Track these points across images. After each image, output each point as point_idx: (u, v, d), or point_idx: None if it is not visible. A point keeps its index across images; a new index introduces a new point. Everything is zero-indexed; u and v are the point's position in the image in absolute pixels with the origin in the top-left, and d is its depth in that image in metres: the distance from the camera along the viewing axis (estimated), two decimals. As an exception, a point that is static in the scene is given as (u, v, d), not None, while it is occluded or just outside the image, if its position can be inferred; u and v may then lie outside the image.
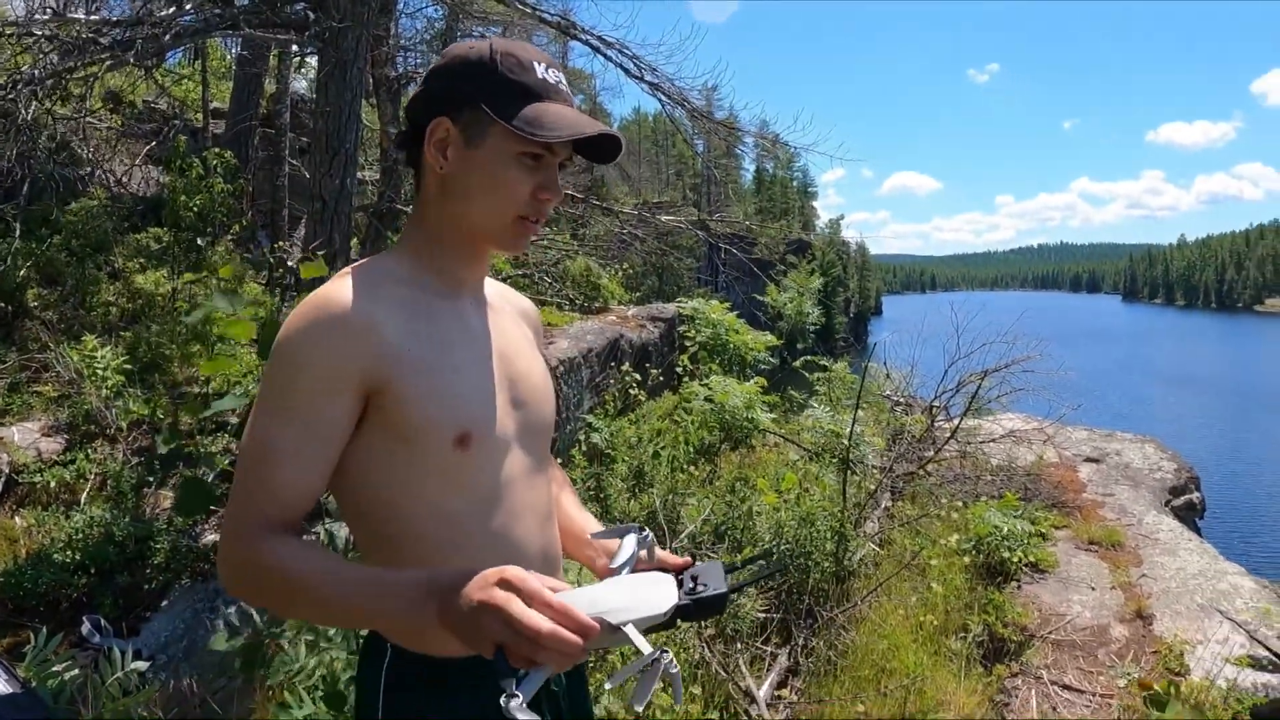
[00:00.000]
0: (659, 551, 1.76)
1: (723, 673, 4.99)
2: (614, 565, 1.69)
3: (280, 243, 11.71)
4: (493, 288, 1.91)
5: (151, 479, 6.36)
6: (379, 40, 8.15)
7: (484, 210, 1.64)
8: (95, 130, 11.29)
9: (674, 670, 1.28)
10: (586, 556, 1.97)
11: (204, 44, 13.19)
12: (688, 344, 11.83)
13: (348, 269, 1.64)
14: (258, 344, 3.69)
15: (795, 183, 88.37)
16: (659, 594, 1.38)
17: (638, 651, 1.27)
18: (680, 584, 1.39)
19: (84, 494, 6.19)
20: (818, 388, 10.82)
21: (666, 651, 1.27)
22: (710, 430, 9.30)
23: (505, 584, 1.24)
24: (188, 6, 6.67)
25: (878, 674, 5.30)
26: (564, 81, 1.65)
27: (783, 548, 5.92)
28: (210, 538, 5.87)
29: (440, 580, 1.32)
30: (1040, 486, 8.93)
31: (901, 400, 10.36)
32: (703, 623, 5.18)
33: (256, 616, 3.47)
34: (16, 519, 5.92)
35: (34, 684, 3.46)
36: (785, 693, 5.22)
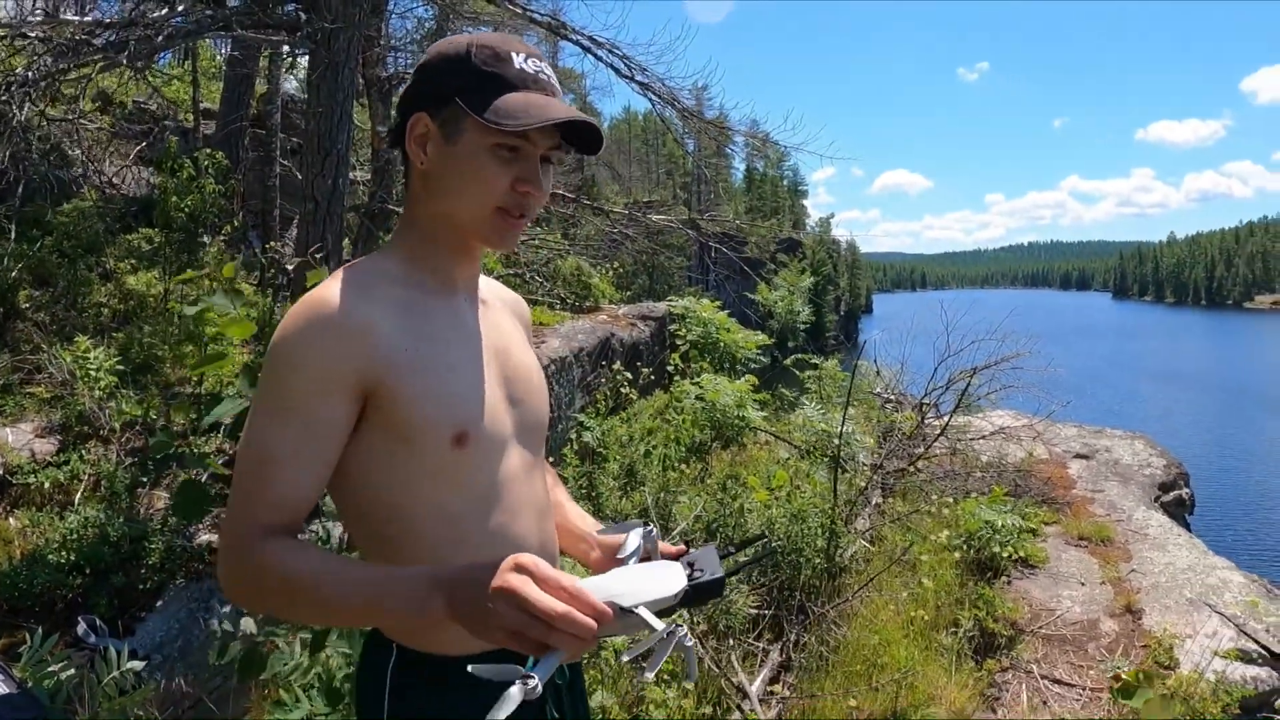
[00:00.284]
0: (664, 545, 1.77)
1: (715, 668, 5.02)
2: (621, 556, 1.71)
3: (272, 243, 11.71)
4: (484, 284, 1.91)
5: (145, 479, 6.37)
6: (370, 41, 8.16)
7: (463, 204, 1.63)
8: (87, 131, 11.27)
9: (689, 644, 1.29)
10: (580, 551, 1.96)
11: (195, 44, 13.17)
12: (679, 343, 11.85)
13: (341, 270, 1.63)
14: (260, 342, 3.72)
15: (786, 181, 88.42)
16: (668, 578, 1.39)
17: (652, 631, 1.28)
18: (647, 644, 1.40)
19: (78, 495, 6.19)
20: (808, 386, 10.84)
21: (681, 626, 1.29)
22: (701, 428, 9.32)
23: (520, 569, 1.25)
24: (180, 8, 6.67)
25: (869, 669, 5.33)
26: (546, 72, 1.62)
27: (774, 544, 5.95)
28: (204, 538, 5.88)
29: (446, 573, 1.32)
30: (1030, 483, 8.97)
31: (892, 398, 10.41)
32: (695, 618, 5.21)
33: (251, 621, 3.48)
34: (11, 520, 5.92)
35: (30, 684, 3.48)
36: (777, 688, 5.24)
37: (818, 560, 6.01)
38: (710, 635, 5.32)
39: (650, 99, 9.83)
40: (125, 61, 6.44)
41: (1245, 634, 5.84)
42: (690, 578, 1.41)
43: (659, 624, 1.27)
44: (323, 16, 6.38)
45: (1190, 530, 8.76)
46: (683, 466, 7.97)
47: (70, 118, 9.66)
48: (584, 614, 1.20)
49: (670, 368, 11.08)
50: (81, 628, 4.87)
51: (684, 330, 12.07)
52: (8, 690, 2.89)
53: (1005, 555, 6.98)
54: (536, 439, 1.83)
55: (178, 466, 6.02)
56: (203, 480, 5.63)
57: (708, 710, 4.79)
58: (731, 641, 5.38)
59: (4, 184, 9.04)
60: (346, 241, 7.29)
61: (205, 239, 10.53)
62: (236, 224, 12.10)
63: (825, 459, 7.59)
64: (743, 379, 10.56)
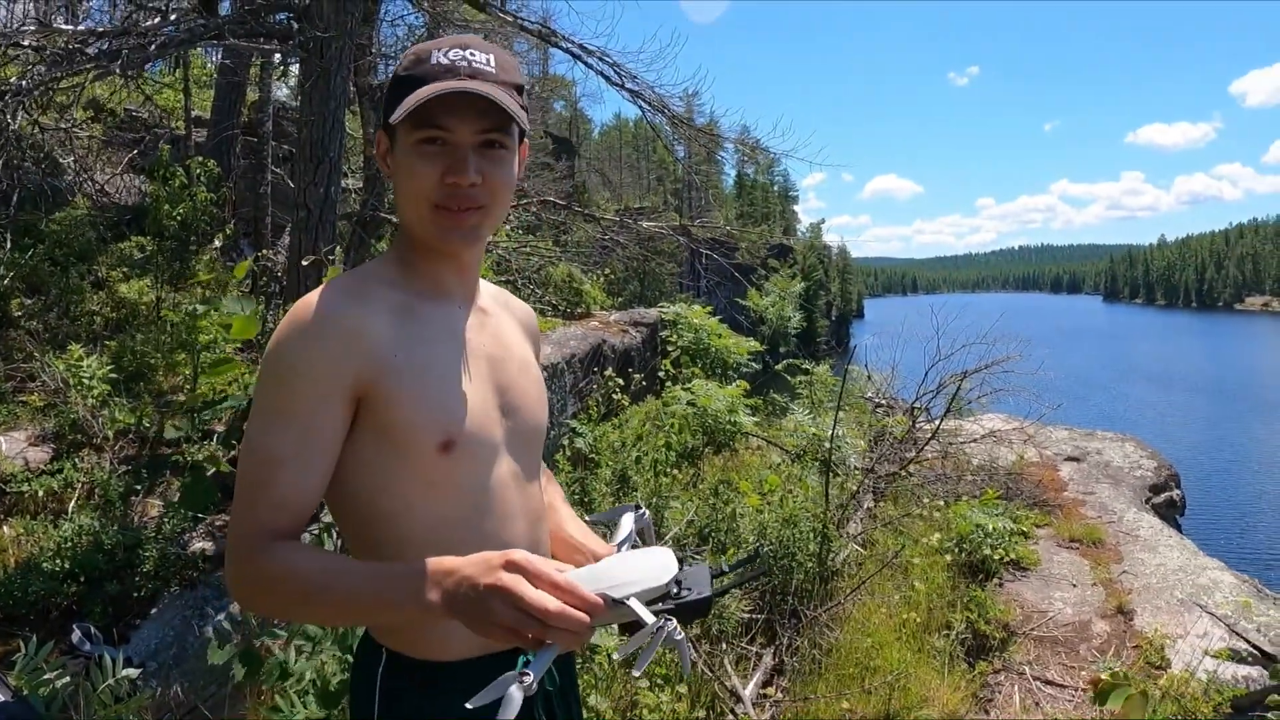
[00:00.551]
0: None
1: (708, 672, 5.03)
2: (613, 542, 1.73)
3: (264, 251, 11.71)
4: (490, 293, 1.93)
5: (139, 487, 6.38)
6: (362, 49, 8.17)
7: (406, 207, 1.66)
8: (79, 140, 11.27)
9: (679, 637, 1.31)
10: (576, 563, 1.98)
11: (187, 53, 13.17)
12: (669, 349, 11.86)
13: (336, 277, 1.65)
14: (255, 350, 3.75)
15: (776, 187, 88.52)
16: (658, 565, 1.40)
17: (643, 624, 1.30)
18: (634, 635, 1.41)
19: (72, 503, 6.19)
20: (800, 391, 10.86)
21: (670, 620, 1.30)
22: (693, 434, 9.33)
23: (511, 566, 1.27)
24: (172, 17, 6.69)
25: (862, 672, 5.34)
26: (470, 58, 1.59)
27: (766, 549, 5.96)
28: (199, 545, 5.89)
29: (443, 567, 1.34)
30: (1021, 486, 8.99)
31: (883, 402, 10.42)
32: (689, 623, 5.22)
33: (252, 623, 3.49)
34: (5, 528, 5.92)
35: (25, 692, 3.48)
36: (770, 691, 5.26)
37: (810, 564, 6.03)
38: (703, 639, 5.34)
39: (640, 106, 9.85)
40: (118, 70, 6.44)
41: (1236, 634, 5.87)
42: (676, 596, 1.40)
43: (650, 618, 1.29)
44: (314, 25, 6.39)
45: (1181, 531, 8.79)
46: (675, 472, 7.98)
47: (63, 126, 9.66)
48: (577, 609, 1.22)
49: (661, 373, 11.10)
50: (76, 635, 4.88)
51: (675, 336, 12.09)
52: (3, 698, 2.91)
53: (997, 558, 7.01)
54: (531, 448, 1.83)
55: (170, 474, 6.05)
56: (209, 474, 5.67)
57: (701, 714, 4.80)
58: (724, 645, 5.39)
59: (-2, 193, 9.05)
60: (339, 249, 7.30)
61: (194, 247, 10.53)
62: (228, 232, 12.09)
63: (817, 463, 7.61)
64: (734, 384, 10.57)
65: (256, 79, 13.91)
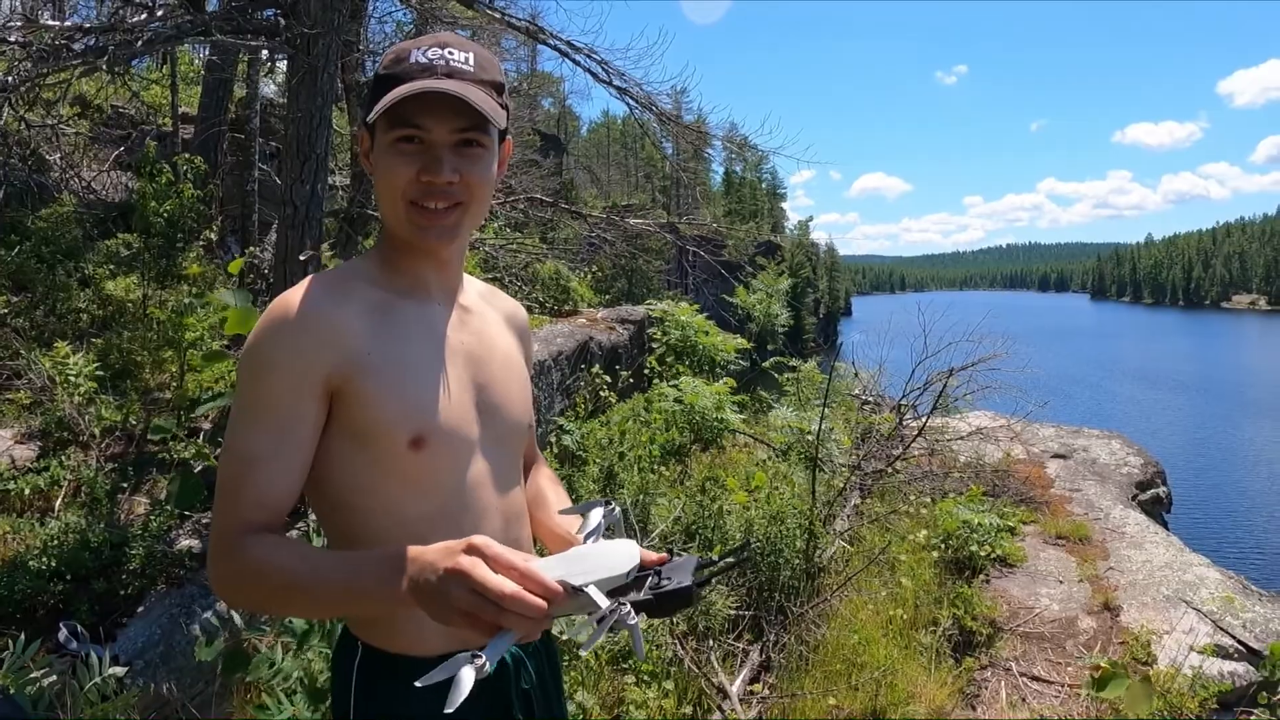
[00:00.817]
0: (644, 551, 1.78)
1: (695, 669, 5.04)
2: (580, 533, 1.73)
3: (251, 248, 11.68)
4: (477, 290, 1.94)
5: (126, 485, 6.36)
6: (349, 46, 8.16)
7: (383, 205, 1.67)
8: (65, 136, 11.23)
9: (632, 622, 1.29)
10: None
11: (174, 49, 13.13)
12: (654, 346, 11.87)
13: (316, 274, 1.66)
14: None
15: (764, 185, 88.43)
16: (620, 555, 1.39)
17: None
18: (646, 579, 1.40)
19: (58, 501, 6.17)
20: (787, 388, 10.88)
21: (624, 604, 1.29)
22: (680, 431, 9.34)
23: (472, 550, 1.26)
24: (159, 13, 6.66)
25: (849, 668, 5.36)
26: (449, 56, 1.60)
27: (754, 545, 5.97)
28: (185, 543, 5.87)
29: (408, 554, 1.33)
30: (1008, 482, 9.03)
31: (870, 399, 10.44)
32: (675, 620, 5.23)
33: (237, 618, 3.49)
34: (-10, 526, 5.90)
35: (12, 690, 3.48)
36: (758, 688, 5.27)
37: (796, 561, 6.05)
38: (690, 636, 5.35)
39: (628, 103, 9.84)
40: (104, 66, 6.42)
41: (1222, 630, 5.91)
42: (656, 586, 1.40)
43: (604, 601, 1.28)
44: (301, 22, 6.37)
45: (1167, 528, 8.83)
46: (661, 469, 7.99)
47: (49, 123, 9.64)
48: (534, 593, 1.22)
49: (647, 371, 11.11)
50: (63, 634, 4.86)
51: (662, 334, 12.10)
52: (-10, 697, 2.91)
53: (983, 554, 7.03)
54: (510, 446, 1.84)
55: (157, 472, 6.04)
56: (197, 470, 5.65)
57: (688, 710, 4.81)
58: (711, 642, 5.41)
59: (-15, 189, 9.01)
60: (326, 246, 7.29)
61: (181, 244, 10.49)
62: (215, 229, 12.06)
63: (804, 460, 7.62)
64: (721, 381, 10.59)
65: (244, 75, 13.86)
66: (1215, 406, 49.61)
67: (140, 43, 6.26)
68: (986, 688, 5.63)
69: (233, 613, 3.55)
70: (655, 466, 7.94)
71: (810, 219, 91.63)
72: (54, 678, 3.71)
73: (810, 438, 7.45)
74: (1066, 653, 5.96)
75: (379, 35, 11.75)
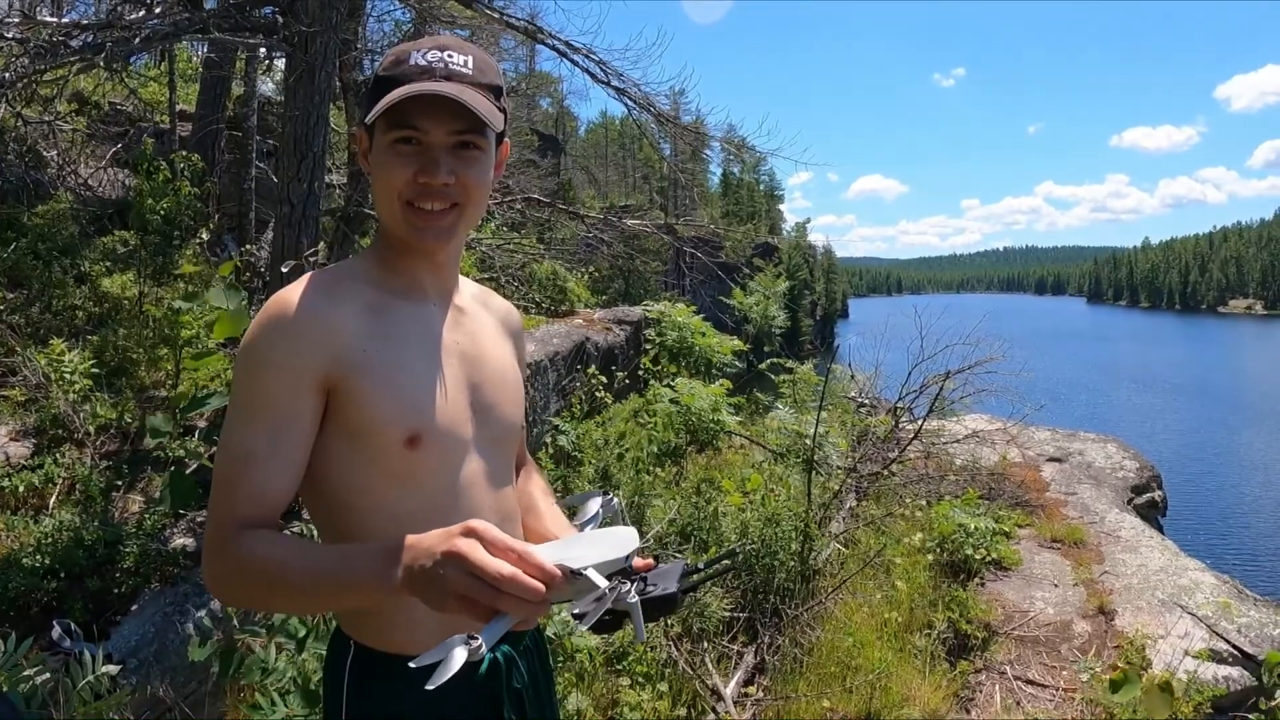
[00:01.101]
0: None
1: (690, 671, 5.04)
2: (578, 522, 1.73)
3: (247, 246, 11.68)
4: (471, 292, 1.94)
5: (120, 483, 6.35)
6: (347, 44, 8.15)
7: (380, 205, 1.68)
8: (63, 133, 11.22)
9: (632, 600, 1.30)
10: None
11: (172, 46, 13.11)
12: (650, 347, 11.87)
13: (312, 273, 1.67)
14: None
15: (762, 186, 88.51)
16: (619, 539, 1.38)
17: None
18: (633, 585, 1.38)
19: (52, 498, 6.16)
20: (783, 390, 10.88)
21: (625, 583, 1.29)
22: (676, 432, 9.34)
23: (469, 533, 1.25)
24: (157, 10, 6.65)
25: (843, 671, 5.36)
26: (448, 59, 1.61)
27: (749, 548, 5.97)
28: (179, 542, 5.86)
29: (405, 542, 1.32)
30: (1004, 486, 9.03)
31: (867, 402, 10.45)
32: (670, 621, 5.23)
33: (233, 620, 3.48)
34: (-16, 524, 5.89)
35: (5, 688, 3.47)
36: (752, 690, 5.27)
37: (792, 563, 6.04)
38: (684, 638, 5.35)
39: (626, 104, 9.83)
40: (102, 63, 6.42)
41: (1217, 634, 5.91)
42: (642, 591, 1.39)
43: (603, 582, 1.27)
44: (299, 20, 6.36)
45: (1163, 532, 8.84)
46: (657, 470, 7.99)
47: (46, 119, 9.63)
48: (532, 576, 1.21)
49: (641, 371, 11.10)
50: (56, 632, 4.85)
51: (658, 335, 12.10)
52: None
53: (979, 558, 7.03)
54: (504, 447, 1.85)
55: (152, 470, 6.03)
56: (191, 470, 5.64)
57: (682, 713, 4.81)
58: (706, 644, 5.41)
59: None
60: (322, 245, 7.28)
61: (178, 242, 10.48)
62: (212, 227, 12.04)
63: (800, 462, 7.62)
64: (717, 383, 10.59)
65: (242, 73, 13.85)
66: (1211, 411, 49.64)
67: (138, 39, 6.24)
68: (981, 691, 5.63)
69: (228, 610, 3.54)
70: (651, 468, 7.94)
71: (808, 221, 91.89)
72: (47, 676, 3.71)
73: (807, 440, 7.45)
74: (1061, 656, 5.96)
75: (377, 34, 11.74)
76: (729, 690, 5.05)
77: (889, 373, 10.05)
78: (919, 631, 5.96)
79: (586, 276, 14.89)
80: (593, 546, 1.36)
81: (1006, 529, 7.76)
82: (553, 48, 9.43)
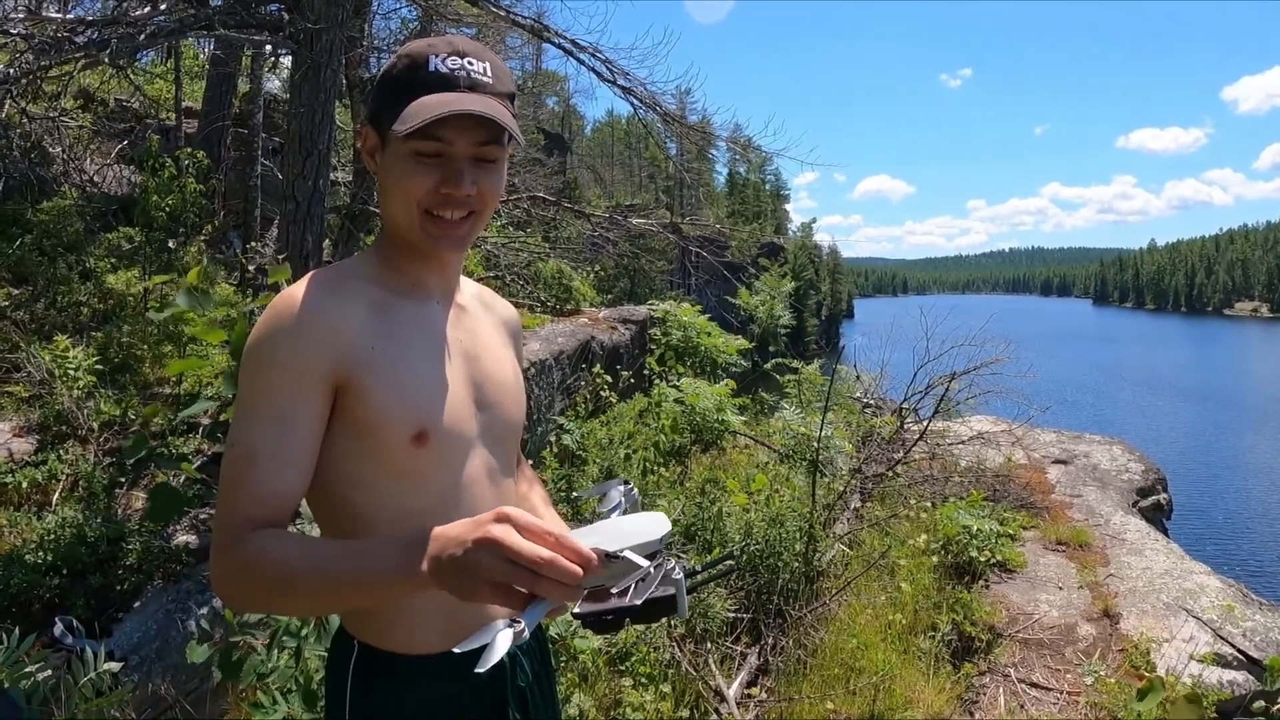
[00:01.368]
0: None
1: (693, 671, 5.03)
2: (604, 510, 1.72)
3: (252, 243, 11.67)
4: (471, 291, 1.94)
5: (123, 480, 6.34)
6: (353, 42, 8.14)
7: (395, 210, 1.65)
8: (68, 129, 11.22)
9: (677, 575, 1.29)
10: None
11: (178, 43, 13.13)
12: (655, 347, 11.87)
13: (316, 271, 1.66)
14: (230, 345, 3.70)
15: (768, 186, 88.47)
16: (652, 524, 1.37)
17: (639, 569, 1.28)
18: (634, 587, 1.38)
19: (55, 495, 6.15)
20: (788, 390, 10.86)
21: (670, 559, 1.28)
22: (681, 432, 9.33)
23: (502, 518, 1.24)
24: (162, 6, 6.66)
25: (847, 672, 5.34)
26: (469, 66, 1.60)
27: (752, 548, 5.96)
28: (182, 539, 5.86)
29: (431, 533, 1.31)
30: (1009, 488, 9.00)
31: (872, 402, 10.43)
32: (673, 622, 5.22)
33: (231, 620, 3.47)
34: (-13, 520, 5.89)
35: (6, 685, 3.47)
36: (755, 691, 5.26)
37: (796, 564, 6.03)
38: (688, 638, 5.33)
39: (632, 103, 9.83)
40: (107, 59, 6.42)
41: (1222, 638, 5.89)
42: (644, 593, 1.39)
43: (644, 562, 1.26)
44: (305, 17, 6.36)
45: (1168, 535, 8.81)
46: (662, 470, 7.98)
47: (51, 115, 9.62)
48: (569, 560, 1.20)
49: (647, 371, 11.10)
50: (58, 629, 4.84)
51: (664, 334, 12.09)
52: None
53: (983, 560, 7.01)
54: (506, 444, 1.85)
55: (155, 467, 6.02)
56: (178, 483, 5.62)
57: (685, 714, 4.79)
58: (709, 645, 5.39)
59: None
60: (327, 242, 7.27)
61: (180, 239, 10.48)
62: (217, 224, 12.05)
63: (804, 463, 7.61)
64: (722, 383, 10.57)
65: (248, 70, 13.86)
66: (1217, 414, 49.57)
67: (143, 36, 6.25)
68: (985, 694, 5.61)
69: (227, 612, 3.53)
70: (655, 468, 7.93)
71: (813, 221, 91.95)
72: (49, 673, 3.70)
73: (812, 441, 7.43)
74: (1066, 660, 5.94)
75: (383, 31, 11.75)
76: (732, 691, 5.03)
77: (894, 373, 10.03)
78: (923, 634, 5.94)
79: (592, 275, 14.89)
80: (626, 529, 1.35)
81: (1011, 531, 7.74)
82: (559, 46, 9.44)
